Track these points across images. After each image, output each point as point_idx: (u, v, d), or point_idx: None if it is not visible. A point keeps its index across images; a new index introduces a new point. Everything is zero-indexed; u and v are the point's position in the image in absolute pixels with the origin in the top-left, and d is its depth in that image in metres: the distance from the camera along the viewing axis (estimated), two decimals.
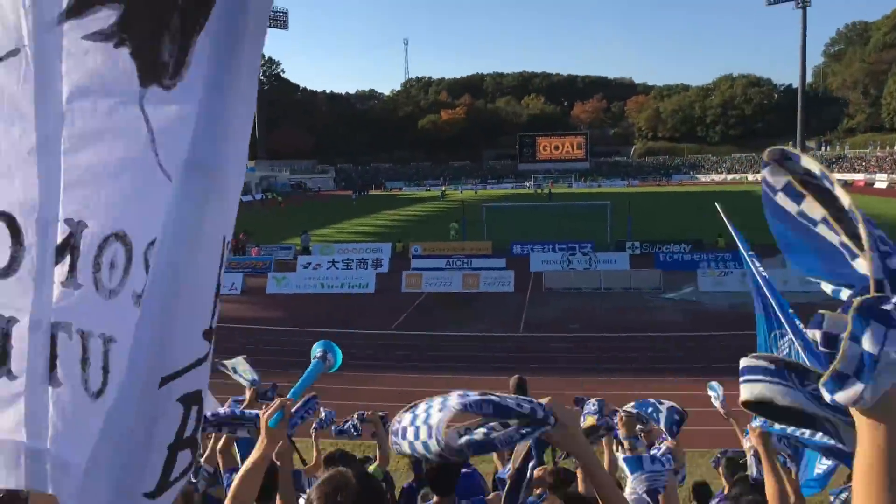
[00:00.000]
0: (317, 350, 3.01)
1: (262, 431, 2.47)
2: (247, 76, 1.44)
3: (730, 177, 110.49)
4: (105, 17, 1.24)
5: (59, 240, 1.27)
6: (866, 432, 1.11)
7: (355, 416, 6.06)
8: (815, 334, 1.13)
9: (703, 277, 23.66)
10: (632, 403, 4.47)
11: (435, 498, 4.04)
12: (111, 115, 1.27)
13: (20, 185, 1.25)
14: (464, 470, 5.46)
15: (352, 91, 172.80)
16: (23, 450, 1.25)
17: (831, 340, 1.10)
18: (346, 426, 6.22)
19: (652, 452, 2.92)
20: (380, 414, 5.84)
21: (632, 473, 2.97)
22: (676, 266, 26.58)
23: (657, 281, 23.99)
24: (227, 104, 1.40)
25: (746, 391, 1.46)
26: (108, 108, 1.27)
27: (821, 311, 1.12)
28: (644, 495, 2.90)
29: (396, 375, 14.74)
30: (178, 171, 1.34)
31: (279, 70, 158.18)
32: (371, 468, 5.15)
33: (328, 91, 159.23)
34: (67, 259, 1.27)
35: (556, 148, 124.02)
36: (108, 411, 1.31)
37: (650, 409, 4.27)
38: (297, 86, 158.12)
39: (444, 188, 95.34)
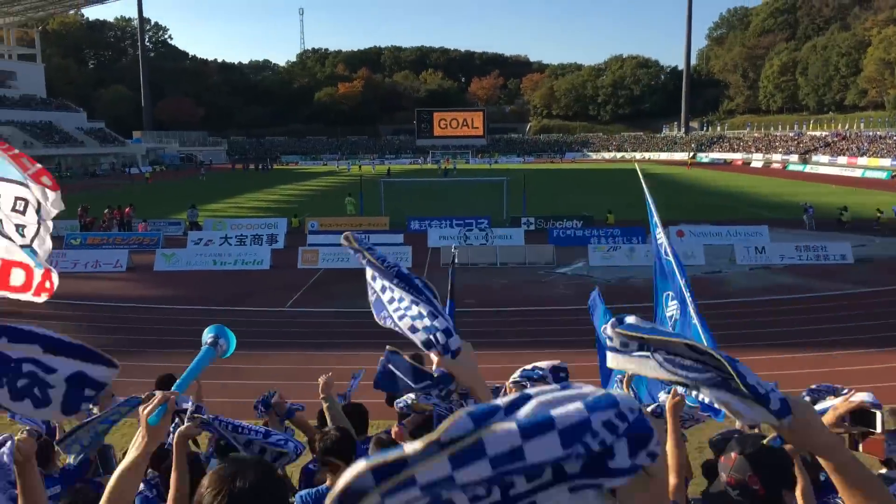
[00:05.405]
0: (208, 336, 2.79)
1: (143, 428, 2.24)
2: None
3: (618, 154, 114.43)
4: None
5: None
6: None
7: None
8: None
9: (593, 252, 24.44)
10: (516, 373, 4.61)
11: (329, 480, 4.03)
12: None
13: None
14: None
15: (245, 61, 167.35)
16: None
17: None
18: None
19: None
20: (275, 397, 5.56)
21: None
22: (569, 241, 27.40)
23: (550, 256, 24.61)
24: None
25: (611, 361, 1.61)
26: None
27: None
28: None
29: (289, 354, 14.44)
30: None
31: (166, 36, 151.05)
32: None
33: (219, 60, 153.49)
34: None
35: (454, 124, 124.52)
36: None
37: (534, 372, 4.39)
38: (186, 53, 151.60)
39: (374, 164, 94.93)
